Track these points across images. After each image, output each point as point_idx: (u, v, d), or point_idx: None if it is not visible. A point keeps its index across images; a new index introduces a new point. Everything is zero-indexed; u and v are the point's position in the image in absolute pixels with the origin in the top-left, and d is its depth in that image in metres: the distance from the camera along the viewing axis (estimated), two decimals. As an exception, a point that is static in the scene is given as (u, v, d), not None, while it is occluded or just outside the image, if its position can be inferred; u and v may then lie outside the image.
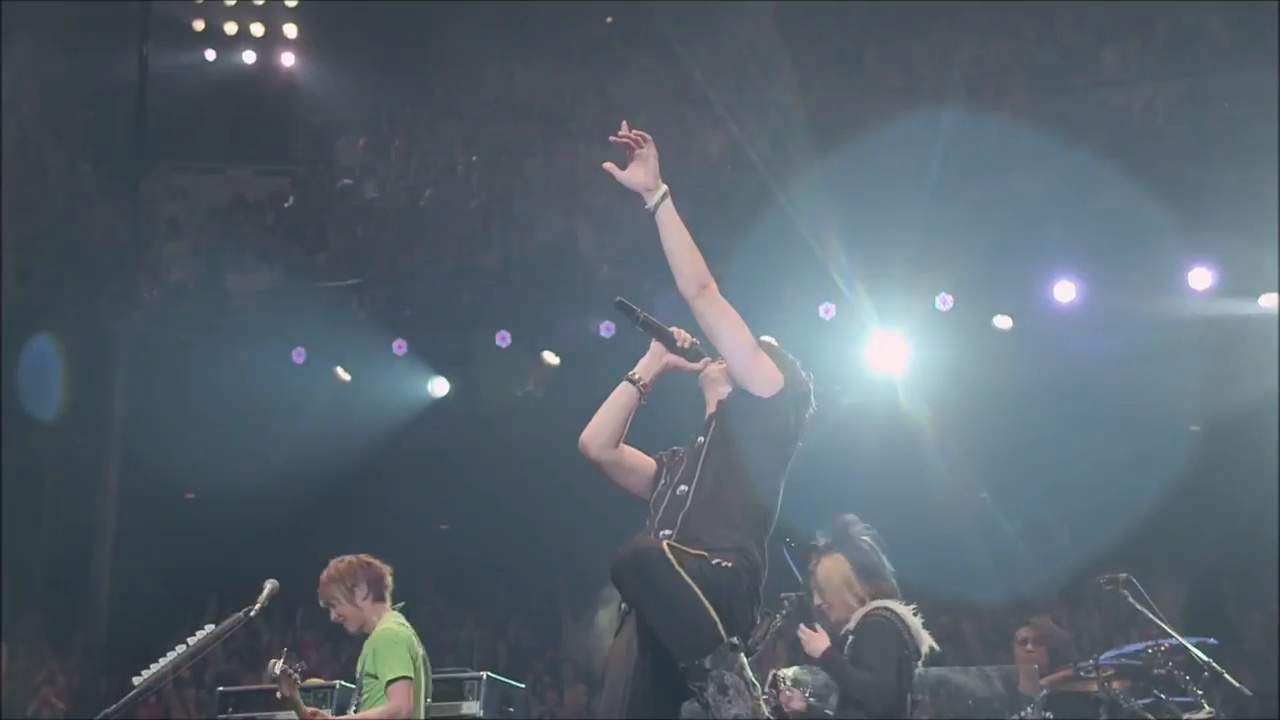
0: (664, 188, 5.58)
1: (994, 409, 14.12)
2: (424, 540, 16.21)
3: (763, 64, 16.94)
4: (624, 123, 5.67)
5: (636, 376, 5.89)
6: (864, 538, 7.69)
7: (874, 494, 14.42)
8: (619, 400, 5.87)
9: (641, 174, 5.61)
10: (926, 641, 7.42)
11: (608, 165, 5.69)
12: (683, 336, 5.87)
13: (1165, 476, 13.22)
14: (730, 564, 5.31)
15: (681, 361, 5.88)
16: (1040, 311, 14.22)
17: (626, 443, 5.89)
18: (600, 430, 5.85)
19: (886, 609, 7.46)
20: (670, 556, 5.22)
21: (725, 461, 5.54)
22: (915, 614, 7.48)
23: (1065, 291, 14.10)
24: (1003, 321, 14.34)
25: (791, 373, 5.71)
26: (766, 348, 5.72)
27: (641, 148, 5.63)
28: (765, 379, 5.59)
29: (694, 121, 17.66)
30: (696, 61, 17.39)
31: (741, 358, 5.58)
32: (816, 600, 7.67)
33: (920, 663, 7.47)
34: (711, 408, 5.75)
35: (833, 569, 7.66)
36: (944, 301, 14.23)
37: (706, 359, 5.82)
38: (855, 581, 7.61)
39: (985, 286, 14.29)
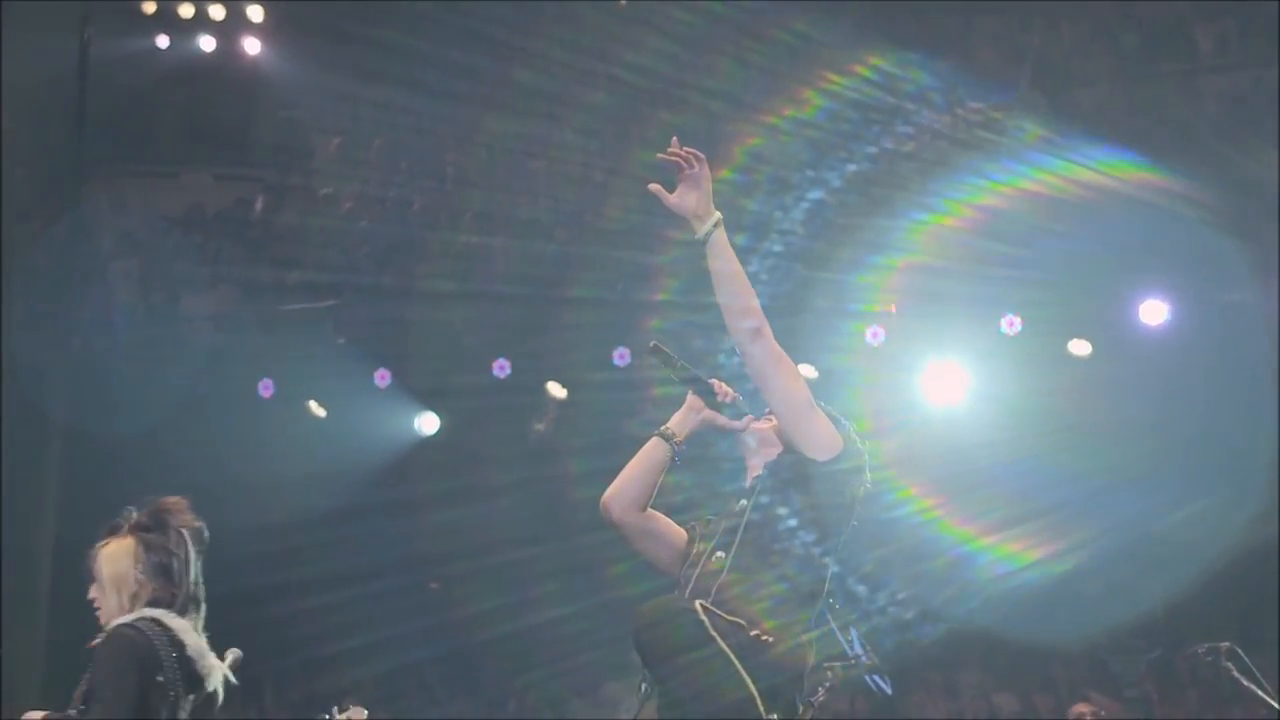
0: (717, 215, 5.62)
1: (1069, 448, 14.06)
2: (410, 602, 16.23)
3: (797, 52, 16.96)
4: (674, 138, 5.68)
5: (670, 432, 5.91)
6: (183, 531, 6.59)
7: (928, 541, 14.55)
8: (649, 457, 5.90)
9: (693, 198, 5.64)
10: (214, 672, 6.37)
11: (654, 187, 5.70)
12: (724, 390, 5.93)
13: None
14: (770, 638, 5.33)
15: (721, 418, 5.91)
16: (1124, 335, 14.22)
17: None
18: (626, 489, 5.88)
19: (147, 620, 6.26)
20: (705, 618, 5.24)
21: (770, 532, 5.58)
22: (200, 633, 6.41)
23: (1154, 312, 14.10)
24: (1079, 347, 14.33)
25: (848, 438, 5.74)
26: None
27: (694, 168, 5.64)
28: (824, 441, 5.64)
29: (727, 128, 17.69)
30: (723, 49, 17.43)
31: (799, 415, 5.62)
32: (91, 594, 6.47)
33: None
34: (756, 470, 5.79)
35: (119, 554, 6.42)
36: (1010, 324, 14.25)
37: (749, 417, 5.86)
38: (136, 578, 6.38)
39: (1059, 306, 14.24)
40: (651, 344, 5.94)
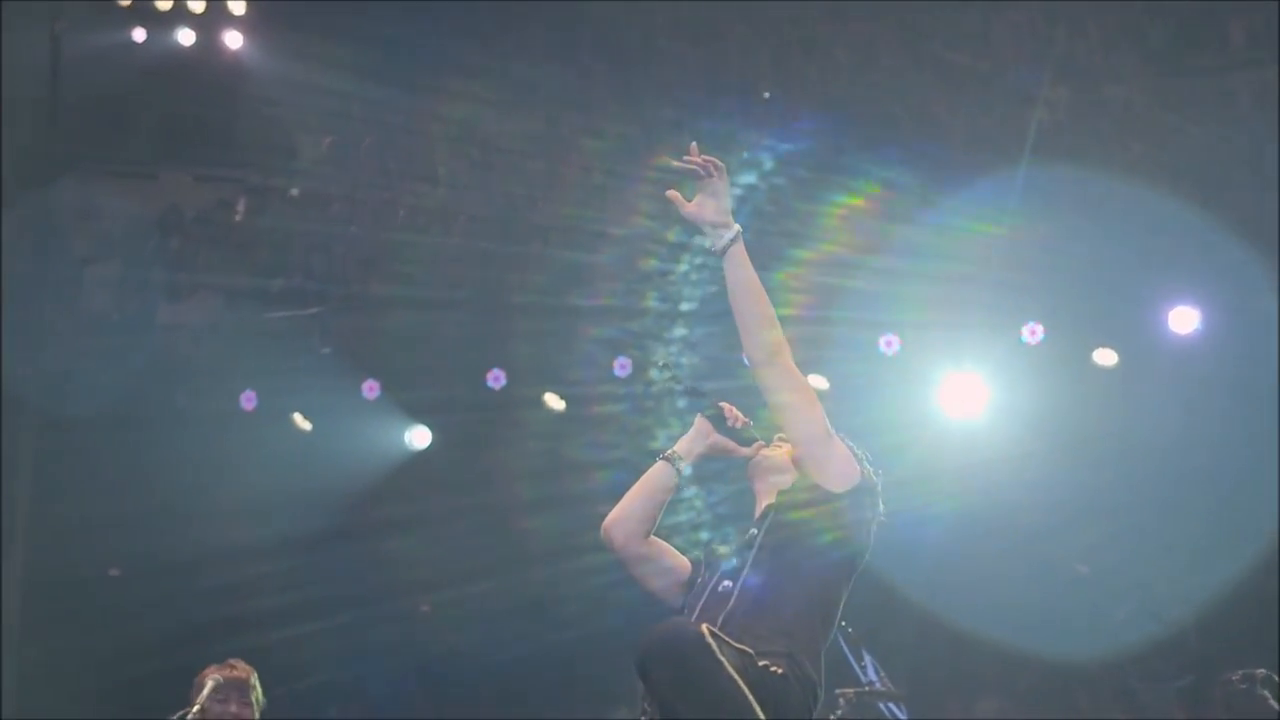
0: (736, 227, 5.62)
1: (1095, 464, 14.10)
2: (400, 627, 16.25)
3: (813, 49, 16.94)
4: (693, 145, 5.66)
5: (676, 456, 5.92)
6: None
7: (947, 565, 14.51)
8: (653, 481, 5.92)
9: (711, 208, 5.62)
10: None
11: (672, 194, 5.69)
12: (734, 415, 5.96)
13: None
14: (780, 670, 5.34)
15: (730, 444, 5.94)
16: (1152, 344, 14.18)
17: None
18: (629, 516, 5.91)
19: None
20: (713, 643, 5.20)
21: (781, 562, 5.59)
22: None
23: (1184, 319, 14.06)
24: (1105, 356, 14.31)
25: (863, 468, 5.77)
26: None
27: (712, 176, 5.63)
28: (840, 470, 5.67)
29: (734, 122, 17.67)
30: (735, 47, 17.40)
31: (816, 442, 5.65)
32: None
33: None
34: (768, 499, 5.82)
35: None
36: (1032, 333, 14.23)
37: (759, 443, 5.91)
38: None
39: (1083, 313, 14.25)
40: (660, 363, 5.97)
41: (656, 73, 18.75)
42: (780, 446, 5.90)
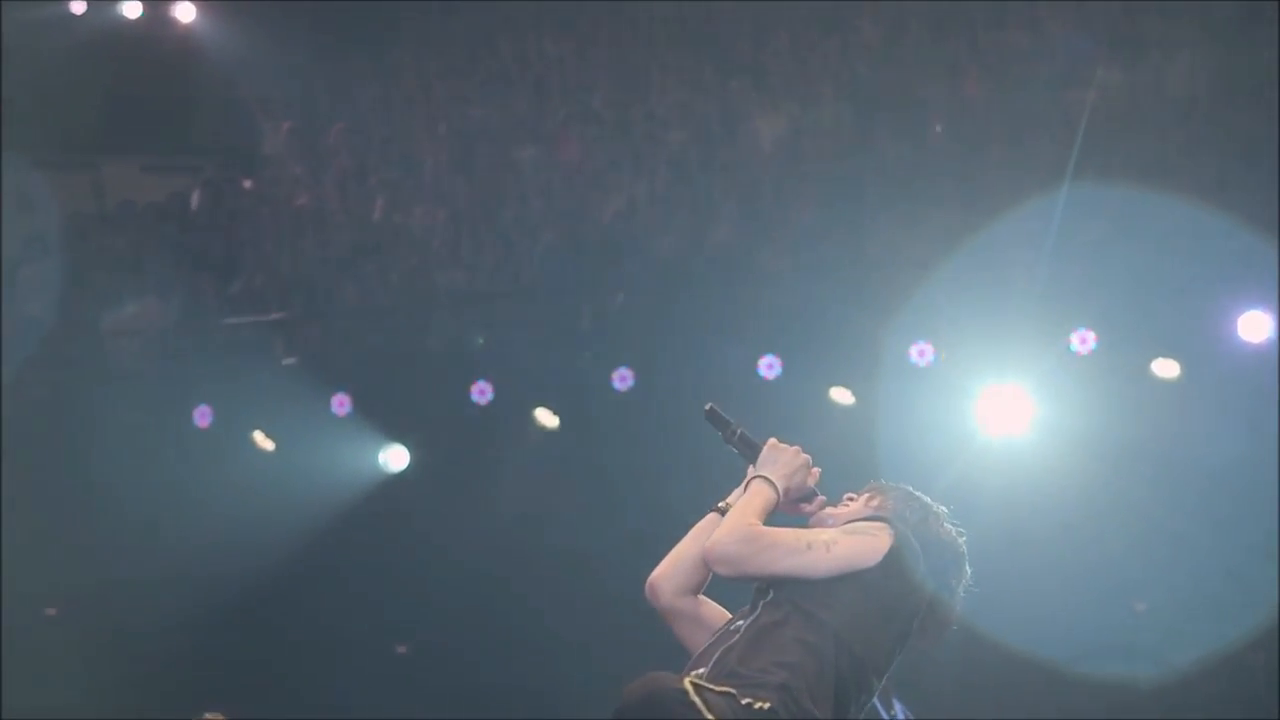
0: (764, 476, 5.90)
1: (1153, 487, 14.03)
2: (374, 668, 16.25)
3: (832, 23, 16.95)
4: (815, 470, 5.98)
5: (726, 508, 5.94)
6: None
7: (989, 598, 14.38)
8: (706, 534, 5.90)
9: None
10: None
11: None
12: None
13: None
14: (765, 704, 5.34)
15: (789, 498, 5.94)
16: (1219, 354, 14.09)
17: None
18: (677, 572, 5.99)
19: None
20: (696, 698, 5.28)
21: (802, 596, 5.62)
22: None
23: (1256, 326, 13.99)
24: (1165, 367, 14.23)
25: (900, 526, 5.80)
26: (877, 492, 5.94)
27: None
28: (860, 555, 5.70)
29: (744, 104, 17.67)
30: (743, 21, 17.41)
31: (822, 564, 5.68)
32: None
33: None
34: None
35: None
36: (1083, 341, 14.16)
37: (821, 498, 5.96)
38: None
39: (1141, 319, 14.19)
40: (707, 406, 6.04)
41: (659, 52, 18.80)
42: (848, 505, 5.98)
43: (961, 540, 5.96)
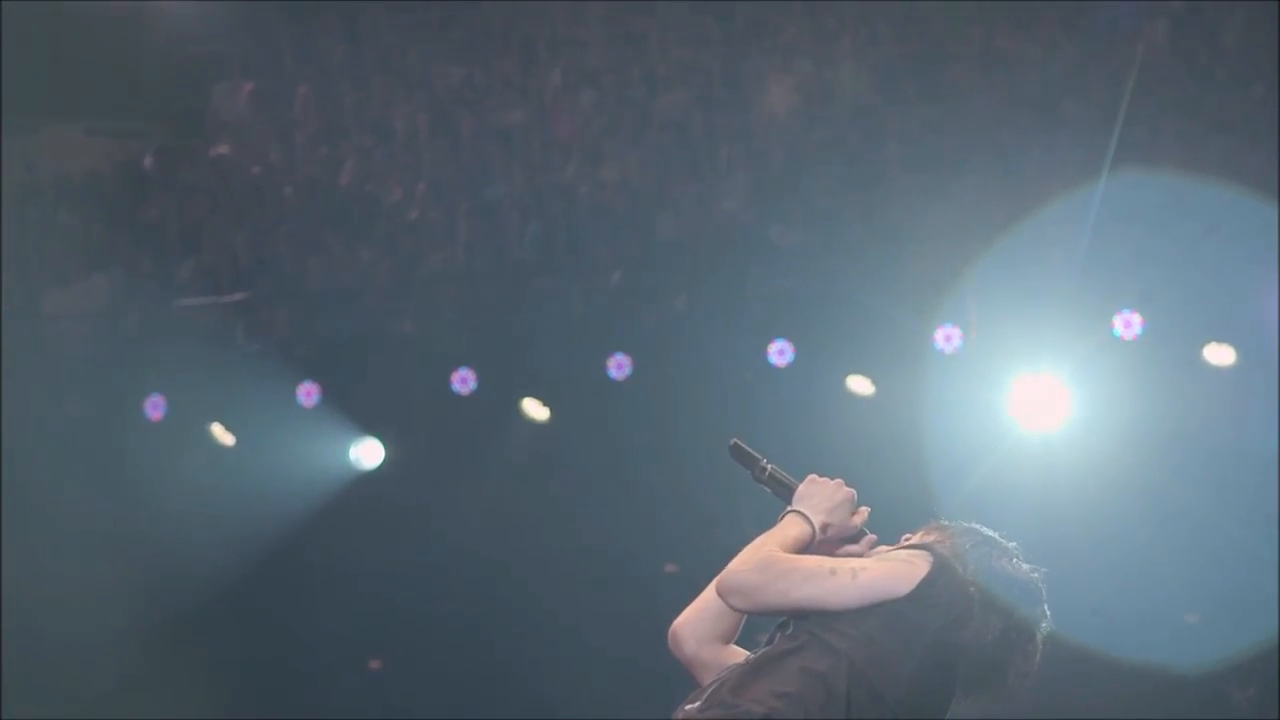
0: (791, 510, 5.87)
1: (1204, 483, 14.11)
2: (345, 685, 16.33)
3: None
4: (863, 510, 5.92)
5: None
6: None
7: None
8: None
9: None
10: None
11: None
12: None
13: None
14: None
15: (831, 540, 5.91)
16: (1275, 339, 14.14)
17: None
18: (702, 619, 5.94)
19: None
20: None
21: (821, 626, 5.63)
22: None
23: (1317, 308, 14.07)
24: (1219, 354, 14.31)
25: (938, 551, 5.77)
26: (936, 530, 5.85)
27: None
28: (890, 583, 5.68)
29: (753, 64, 17.72)
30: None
31: (847, 591, 5.67)
32: None
33: None
34: None
35: None
36: (1127, 325, 14.24)
37: (871, 537, 5.91)
38: None
39: (1192, 301, 14.27)
40: (731, 442, 5.99)
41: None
42: (903, 545, 5.88)
43: (1036, 577, 5.82)
